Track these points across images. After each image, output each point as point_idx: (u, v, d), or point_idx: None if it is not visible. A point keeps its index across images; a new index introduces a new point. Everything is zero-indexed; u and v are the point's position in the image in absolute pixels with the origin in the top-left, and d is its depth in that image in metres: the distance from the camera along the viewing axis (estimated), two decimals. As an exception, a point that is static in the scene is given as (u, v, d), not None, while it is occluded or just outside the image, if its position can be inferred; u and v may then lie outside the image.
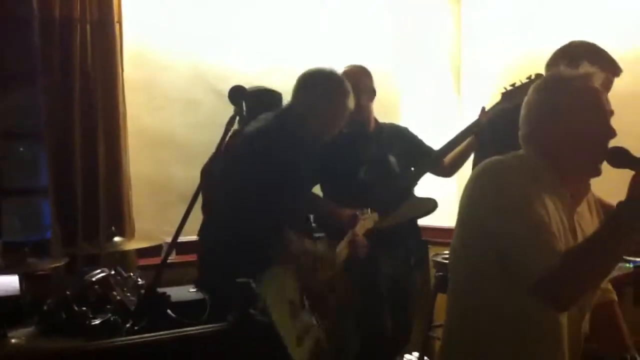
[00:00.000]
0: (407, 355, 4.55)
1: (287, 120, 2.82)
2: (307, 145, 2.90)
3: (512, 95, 3.29)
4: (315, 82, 2.93)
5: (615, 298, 2.14)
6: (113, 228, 3.47)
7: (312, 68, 2.98)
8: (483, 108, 3.46)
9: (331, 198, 3.60)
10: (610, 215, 1.72)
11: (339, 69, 3.60)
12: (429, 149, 3.74)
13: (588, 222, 1.99)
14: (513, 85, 3.32)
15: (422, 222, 3.87)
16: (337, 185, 3.63)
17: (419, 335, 4.28)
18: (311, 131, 2.89)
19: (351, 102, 2.97)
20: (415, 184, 3.62)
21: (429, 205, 3.58)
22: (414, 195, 3.63)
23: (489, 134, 3.32)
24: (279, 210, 2.64)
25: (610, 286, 2.14)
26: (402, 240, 3.53)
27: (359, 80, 3.58)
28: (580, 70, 1.93)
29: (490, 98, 4.73)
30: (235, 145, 2.84)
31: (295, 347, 2.48)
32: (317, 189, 3.71)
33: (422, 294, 3.91)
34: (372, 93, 3.68)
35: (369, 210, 3.29)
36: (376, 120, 3.75)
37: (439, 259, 4.05)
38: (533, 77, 3.10)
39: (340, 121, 2.96)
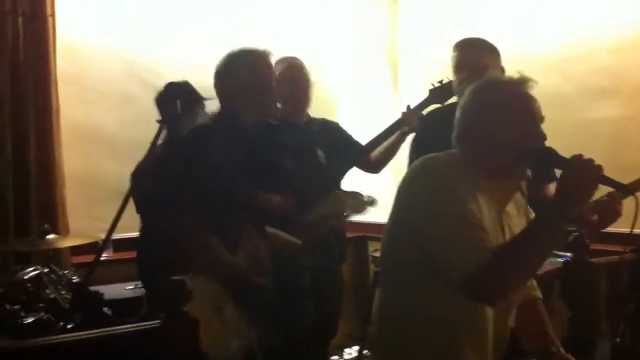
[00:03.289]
0: (347, 349, 4.58)
1: (220, 116, 2.70)
2: (246, 134, 2.77)
3: (439, 92, 3.33)
4: (232, 65, 2.77)
5: (540, 295, 2.18)
6: (46, 225, 3.40)
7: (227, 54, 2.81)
8: (408, 106, 3.47)
9: (256, 187, 3.58)
10: (540, 212, 1.77)
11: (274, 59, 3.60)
12: (357, 143, 3.76)
13: (516, 221, 2.03)
14: (440, 82, 3.34)
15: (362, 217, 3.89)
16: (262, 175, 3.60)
17: (358, 329, 4.31)
18: (247, 116, 2.75)
19: (274, 72, 2.81)
20: (341, 177, 3.60)
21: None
22: (340, 188, 3.52)
23: (430, 137, 3.29)
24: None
25: (535, 283, 2.18)
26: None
27: (299, 71, 3.60)
28: (515, 76, 1.97)
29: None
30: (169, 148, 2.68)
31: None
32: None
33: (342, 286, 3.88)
34: (310, 85, 3.69)
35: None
36: (308, 115, 3.76)
37: (376, 254, 4.07)
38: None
39: (271, 94, 2.78)
